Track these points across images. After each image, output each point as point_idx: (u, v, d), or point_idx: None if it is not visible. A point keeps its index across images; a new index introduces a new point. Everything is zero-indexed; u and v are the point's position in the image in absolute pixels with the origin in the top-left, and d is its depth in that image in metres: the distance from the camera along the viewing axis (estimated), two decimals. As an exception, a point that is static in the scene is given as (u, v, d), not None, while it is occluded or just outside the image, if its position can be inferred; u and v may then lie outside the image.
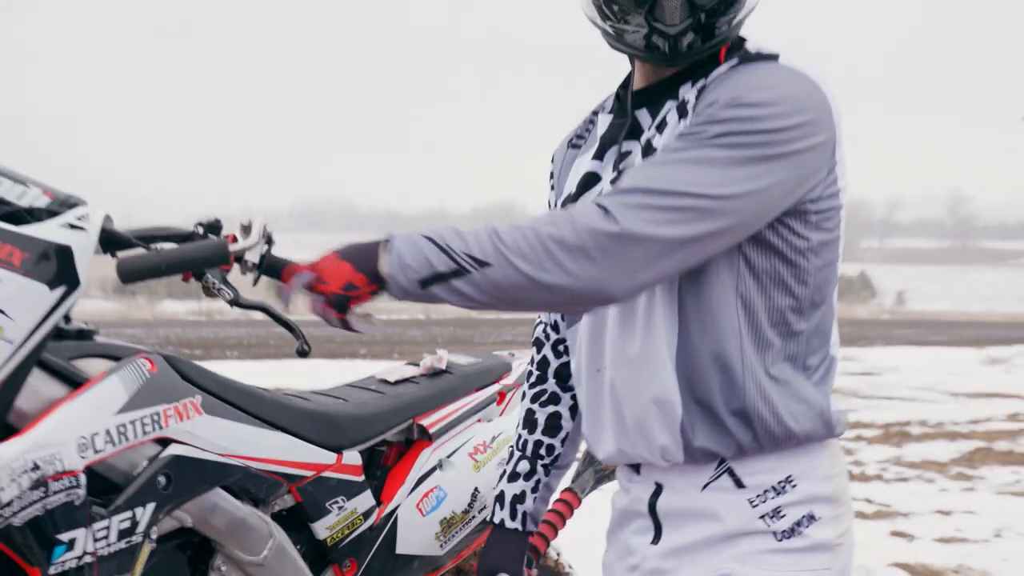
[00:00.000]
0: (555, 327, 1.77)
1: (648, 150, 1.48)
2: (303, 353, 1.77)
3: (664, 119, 1.49)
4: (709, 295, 1.45)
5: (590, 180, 1.57)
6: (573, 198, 1.58)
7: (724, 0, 1.43)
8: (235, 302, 1.75)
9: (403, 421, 2.27)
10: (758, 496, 1.46)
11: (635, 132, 1.53)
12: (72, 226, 1.68)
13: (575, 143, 1.68)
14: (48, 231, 1.65)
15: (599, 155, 1.57)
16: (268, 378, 12.16)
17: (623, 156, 1.53)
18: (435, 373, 2.42)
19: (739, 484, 1.47)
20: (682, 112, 1.46)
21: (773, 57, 1.44)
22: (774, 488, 1.46)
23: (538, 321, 1.81)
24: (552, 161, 1.74)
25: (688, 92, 1.47)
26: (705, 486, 1.48)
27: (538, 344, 1.79)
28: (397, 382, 2.36)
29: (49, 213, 1.70)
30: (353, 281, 1.37)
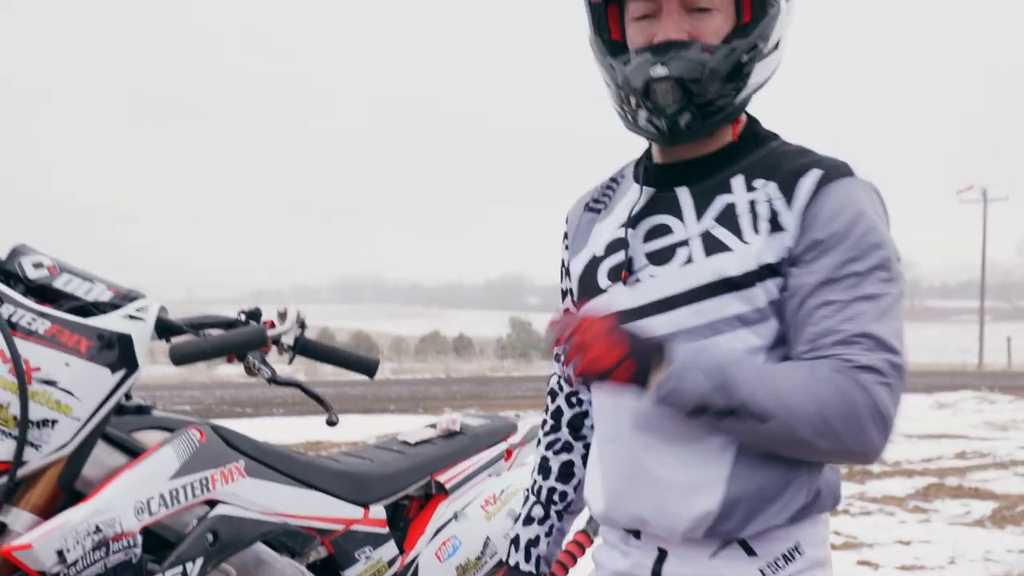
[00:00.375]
0: (568, 380, 1.64)
1: (710, 241, 1.33)
2: (332, 423, 1.76)
3: (729, 213, 1.34)
4: None
5: (618, 245, 1.42)
6: (599, 260, 1.44)
7: (721, 80, 1.31)
8: (273, 380, 1.74)
9: (422, 478, 2.24)
10: (769, 565, 1.32)
11: (670, 208, 1.39)
12: (132, 317, 1.68)
13: (592, 207, 1.54)
14: (111, 322, 1.65)
15: (632, 223, 1.42)
16: (309, 432, 12.08)
17: (659, 230, 1.39)
18: (450, 434, 2.39)
19: (750, 552, 1.32)
20: (755, 217, 1.32)
21: (849, 171, 1.32)
22: (785, 556, 1.32)
23: (553, 372, 1.68)
24: (567, 221, 1.60)
25: (755, 191, 1.34)
26: (714, 554, 1.33)
27: (552, 394, 1.66)
28: (417, 443, 2.34)
29: (112, 306, 1.70)
30: (621, 363, 1.25)
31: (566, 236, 1.59)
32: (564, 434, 1.63)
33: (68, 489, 1.63)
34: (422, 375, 33.06)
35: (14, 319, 1.60)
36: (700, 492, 1.30)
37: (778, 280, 1.30)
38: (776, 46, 1.37)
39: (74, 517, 1.57)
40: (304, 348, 1.75)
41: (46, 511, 1.60)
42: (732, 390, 1.22)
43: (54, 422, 1.58)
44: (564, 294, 1.61)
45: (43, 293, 1.69)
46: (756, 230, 1.31)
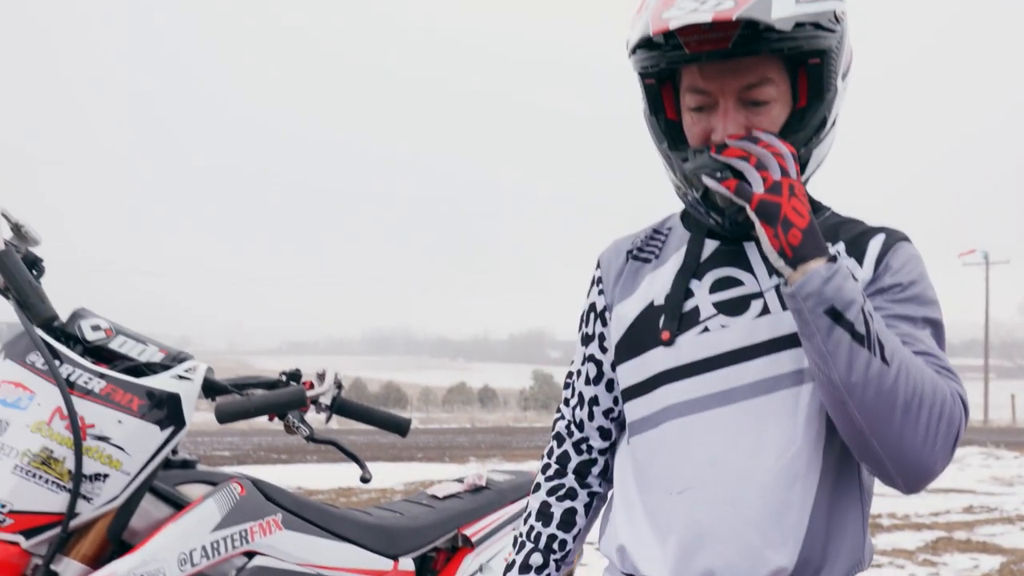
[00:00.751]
0: (580, 426, 1.48)
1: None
2: (365, 480, 1.76)
3: None
4: (847, 455, 1.27)
5: (685, 294, 1.34)
6: (658, 309, 1.36)
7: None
8: (311, 438, 1.75)
9: (449, 531, 2.22)
10: None
11: (738, 261, 1.33)
12: (181, 377, 1.70)
13: (637, 255, 1.44)
14: (161, 382, 1.67)
15: (697, 275, 1.34)
16: (340, 479, 12.02)
17: (727, 282, 1.32)
18: (477, 489, 2.38)
19: None
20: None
21: (908, 238, 1.33)
22: None
23: (559, 416, 1.53)
24: (599, 266, 1.49)
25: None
26: None
27: (559, 438, 1.51)
28: (445, 497, 2.32)
29: (163, 366, 1.72)
30: (796, 229, 1.17)
31: (599, 281, 1.48)
32: (569, 480, 1.48)
33: (116, 540, 1.64)
34: (448, 424, 32.91)
35: (72, 378, 1.62)
36: (778, 548, 1.23)
37: None
38: (832, 124, 1.31)
39: (121, 568, 1.57)
40: (340, 408, 1.76)
41: (95, 561, 1.60)
42: (872, 324, 1.15)
43: (106, 476, 1.59)
44: (587, 339, 1.49)
45: (99, 354, 1.71)
46: None
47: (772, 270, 1.30)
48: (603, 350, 1.46)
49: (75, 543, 1.61)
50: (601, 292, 1.47)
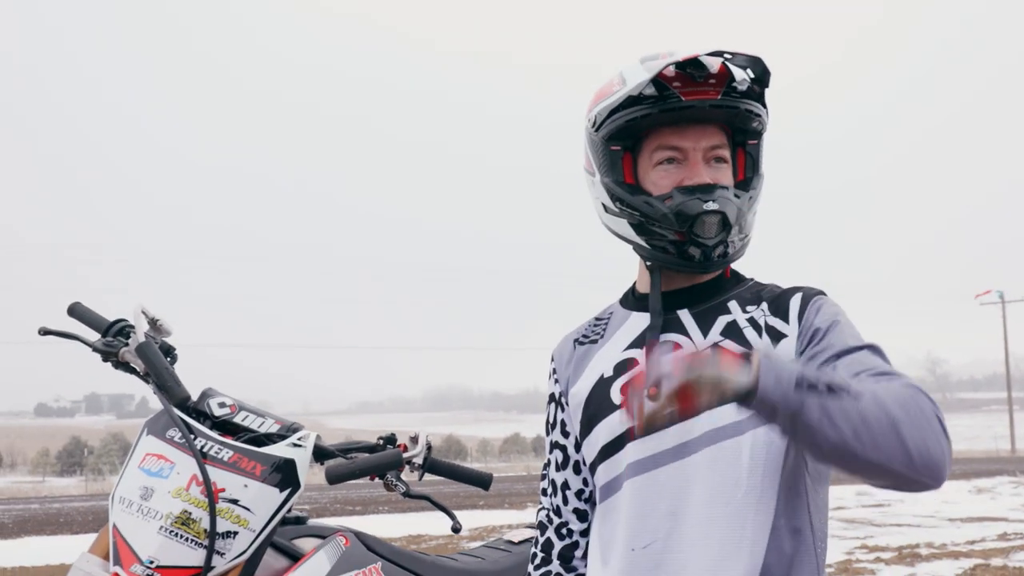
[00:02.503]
0: (558, 512, 1.50)
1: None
2: (456, 530, 1.82)
3: (732, 328, 1.34)
4: (798, 479, 1.29)
5: (628, 364, 1.38)
6: (609, 380, 1.39)
7: (744, 220, 1.35)
8: (407, 494, 1.82)
9: (525, 573, 2.26)
10: None
11: (675, 327, 1.37)
12: (295, 445, 1.78)
13: (583, 341, 1.49)
14: (279, 450, 1.75)
15: (639, 344, 1.39)
16: (410, 527, 11.99)
17: (668, 346, 1.31)
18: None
19: None
20: (758, 329, 1.34)
21: (823, 292, 1.40)
22: None
23: (540, 507, 1.55)
24: (553, 359, 1.53)
25: (753, 312, 1.35)
26: None
27: (541, 527, 1.53)
28: (520, 542, 2.37)
29: (280, 436, 1.81)
30: (724, 372, 1.04)
31: (554, 372, 1.52)
32: (555, 566, 1.49)
33: (244, 589, 1.71)
34: (506, 473, 32.58)
35: (205, 449, 1.72)
36: None
37: None
38: (757, 201, 1.41)
39: (250, 613, 1.64)
40: (432, 466, 1.83)
41: (228, 608, 1.68)
42: (820, 372, 1.10)
43: (235, 533, 1.67)
44: (551, 428, 1.52)
45: (225, 427, 1.81)
46: (760, 338, 1.33)
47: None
48: (566, 435, 1.49)
49: (210, 593, 1.69)
50: (556, 381, 1.51)
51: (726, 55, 1.31)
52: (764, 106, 1.37)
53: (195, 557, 1.64)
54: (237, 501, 1.68)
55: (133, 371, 1.84)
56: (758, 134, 1.39)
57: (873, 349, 1.28)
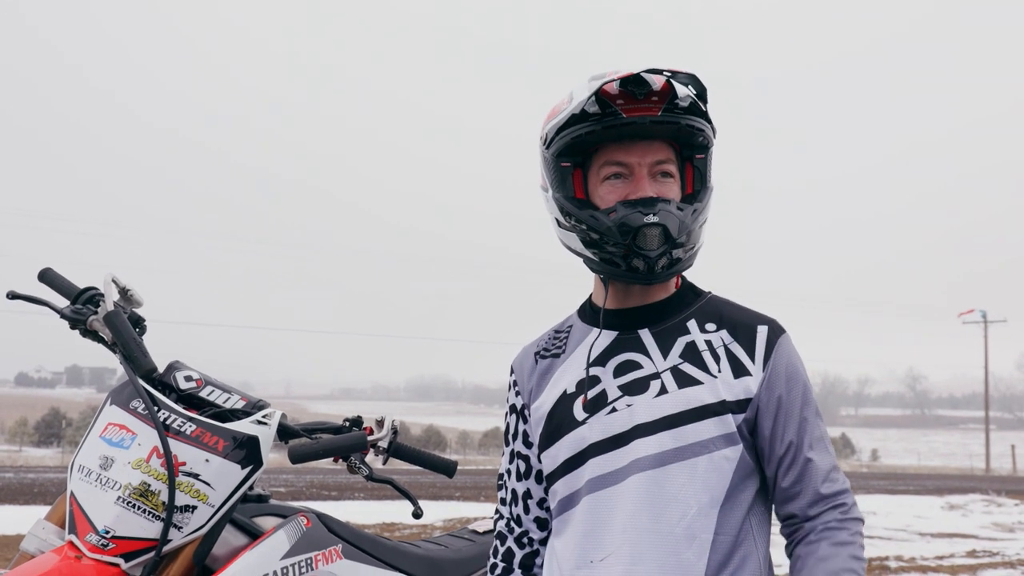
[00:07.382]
0: (518, 521, 1.53)
1: (679, 375, 1.37)
2: (417, 516, 1.81)
3: (691, 350, 1.39)
4: (746, 500, 1.36)
5: (591, 382, 1.41)
6: (571, 396, 1.42)
7: (688, 233, 1.37)
8: (370, 477, 1.81)
9: (487, 563, 2.25)
10: None
11: (636, 347, 1.41)
12: (259, 422, 1.76)
13: (544, 355, 1.51)
14: (243, 427, 1.74)
15: (600, 362, 1.42)
16: (384, 514, 11.97)
17: (628, 365, 1.40)
18: (512, 525, 2.41)
19: None
20: (716, 357, 1.38)
21: (784, 330, 1.43)
22: None
23: (498, 516, 1.57)
24: (512, 371, 1.55)
25: (709, 333, 1.40)
26: None
27: (501, 537, 1.55)
28: (484, 532, 2.36)
29: (244, 413, 1.79)
30: None
31: (515, 384, 1.54)
32: (517, 575, 1.52)
33: (200, 564, 1.70)
34: (484, 466, 32.60)
35: (168, 422, 1.70)
36: None
37: (744, 412, 1.35)
38: (705, 212, 1.43)
39: (205, 589, 1.63)
40: (396, 451, 1.82)
41: (182, 582, 1.67)
42: None
43: (194, 508, 1.66)
44: (512, 439, 1.55)
45: (191, 401, 1.80)
46: (719, 366, 1.36)
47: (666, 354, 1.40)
48: (528, 446, 1.51)
49: (166, 566, 1.67)
50: (518, 393, 1.53)
51: (666, 72, 1.33)
52: (708, 121, 1.39)
53: (152, 529, 1.62)
54: (198, 476, 1.67)
55: (101, 340, 1.82)
56: (704, 148, 1.41)
57: (817, 412, 1.38)
